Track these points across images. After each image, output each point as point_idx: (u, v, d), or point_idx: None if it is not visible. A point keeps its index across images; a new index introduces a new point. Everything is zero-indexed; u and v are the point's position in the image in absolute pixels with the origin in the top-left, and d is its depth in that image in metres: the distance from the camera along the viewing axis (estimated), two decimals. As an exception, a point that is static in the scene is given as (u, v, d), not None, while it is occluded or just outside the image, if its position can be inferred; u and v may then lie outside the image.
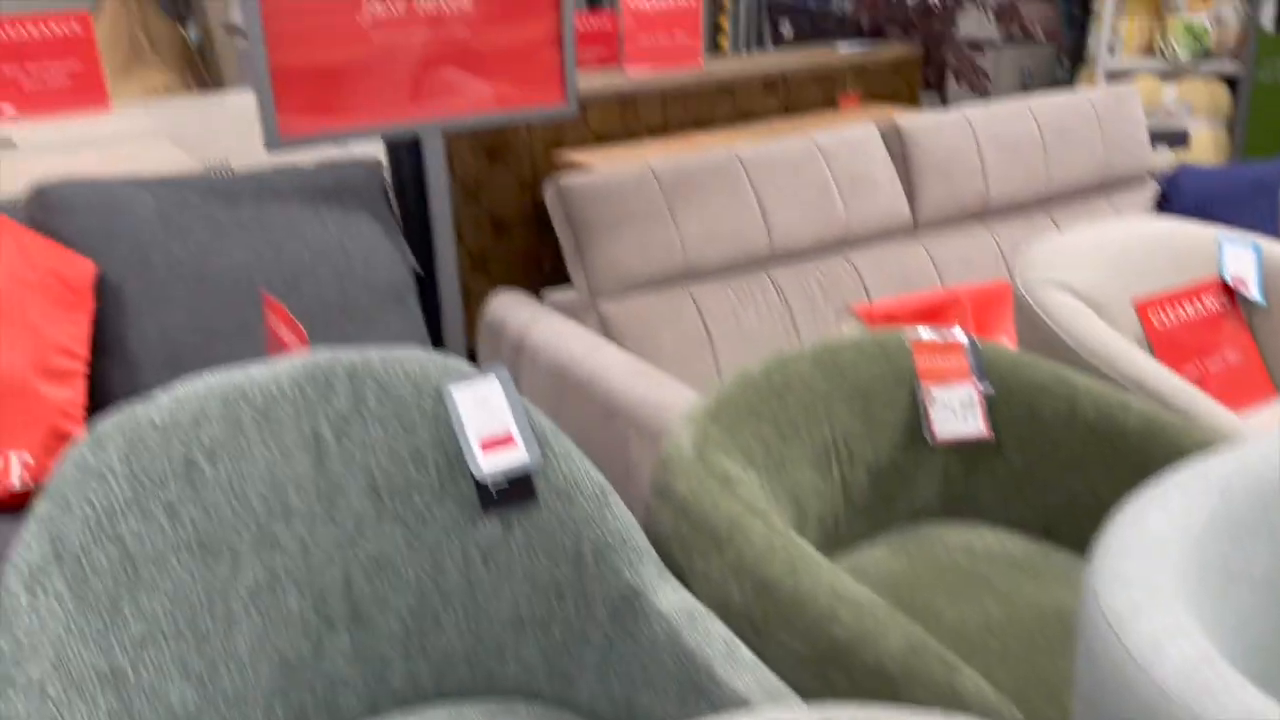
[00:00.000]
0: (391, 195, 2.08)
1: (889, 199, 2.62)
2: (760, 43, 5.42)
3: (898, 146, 2.66)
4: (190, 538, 1.12)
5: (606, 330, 2.29)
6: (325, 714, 1.21)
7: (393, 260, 1.97)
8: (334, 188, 1.94)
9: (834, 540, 1.57)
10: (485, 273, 2.99)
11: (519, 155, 2.92)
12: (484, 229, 2.95)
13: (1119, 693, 0.82)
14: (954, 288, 2.55)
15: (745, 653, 1.07)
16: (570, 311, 2.41)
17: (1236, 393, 1.94)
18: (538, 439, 1.25)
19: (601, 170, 2.34)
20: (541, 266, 3.06)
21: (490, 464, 1.23)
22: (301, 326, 1.48)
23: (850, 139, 2.61)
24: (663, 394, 1.86)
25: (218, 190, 1.85)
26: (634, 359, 2.05)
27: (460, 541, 1.24)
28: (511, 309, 2.36)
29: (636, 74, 3.21)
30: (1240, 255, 2.02)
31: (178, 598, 1.10)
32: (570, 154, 2.91)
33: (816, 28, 5.36)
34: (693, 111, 3.15)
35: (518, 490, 1.24)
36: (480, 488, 1.24)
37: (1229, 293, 2.01)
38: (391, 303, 1.97)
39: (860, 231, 2.58)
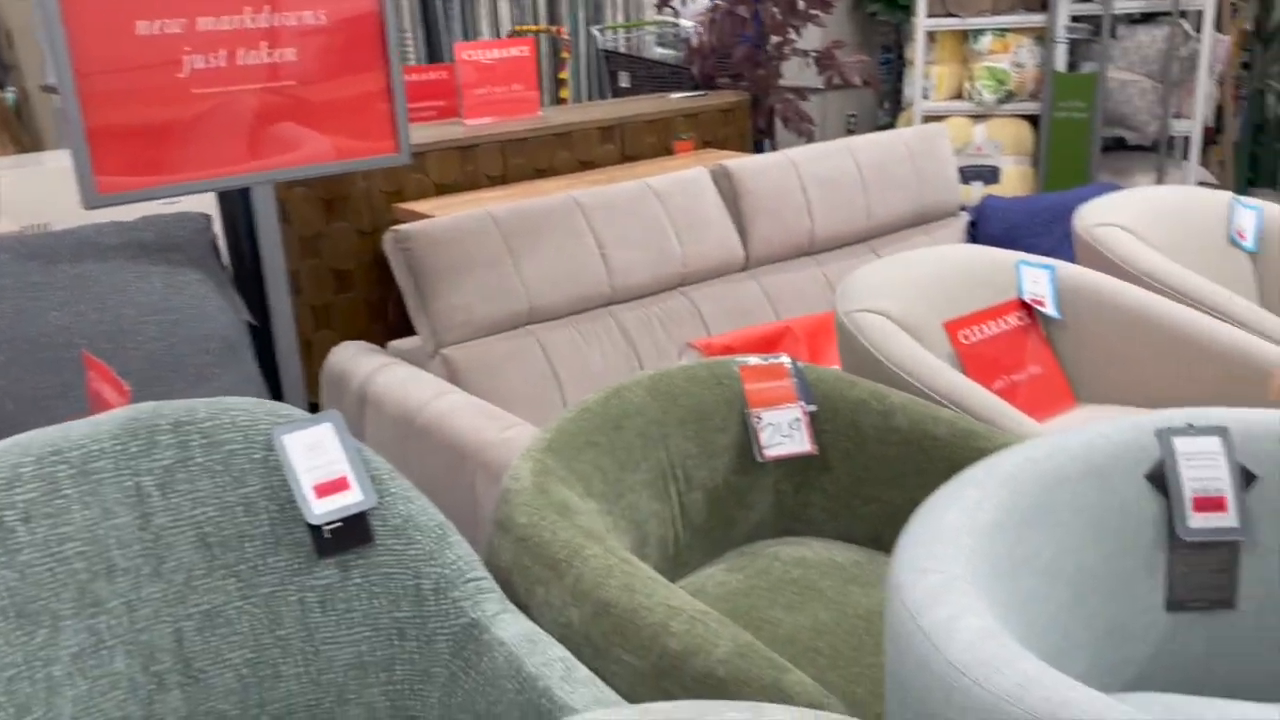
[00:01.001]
0: (220, 248, 2.04)
1: (722, 237, 2.73)
2: (601, 94, 5.56)
3: (728, 187, 2.79)
4: (5, 604, 1.07)
5: (452, 376, 2.30)
6: (160, 778, 1.18)
7: (223, 314, 1.94)
8: (158, 242, 1.90)
9: (676, 563, 1.62)
10: (329, 326, 2.96)
11: (358, 207, 2.92)
12: (325, 282, 2.92)
13: (918, 672, 0.89)
14: (787, 320, 2.67)
15: (583, 671, 1.10)
16: (415, 360, 2.41)
17: (1040, 402, 2.10)
18: (373, 480, 1.26)
19: (441, 219, 2.37)
20: (386, 318, 3.04)
21: (323, 508, 1.23)
22: (125, 384, 1.44)
23: (682, 181, 2.71)
24: (509, 434, 1.88)
25: (32, 249, 1.79)
26: (479, 402, 2.07)
27: (297, 588, 1.23)
28: (354, 360, 2.35)
29: (475, 125, 3.26)
30: (1037, 276, 2.20)
31: (-9, 667, 1.05)
32: (411, 205, 2.92)
33: (652, 78, 5.54)
34: (532, 160, 3.21)
35: (354, 532, 1.24)
36: (315, 532, 1.23)
37: (1029, 311, 2.18)
38: (224, 358, 1.93)
39: (697, 269, 2.68)
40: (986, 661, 0.85)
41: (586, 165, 3.35)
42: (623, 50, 5.68)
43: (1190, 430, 1.24)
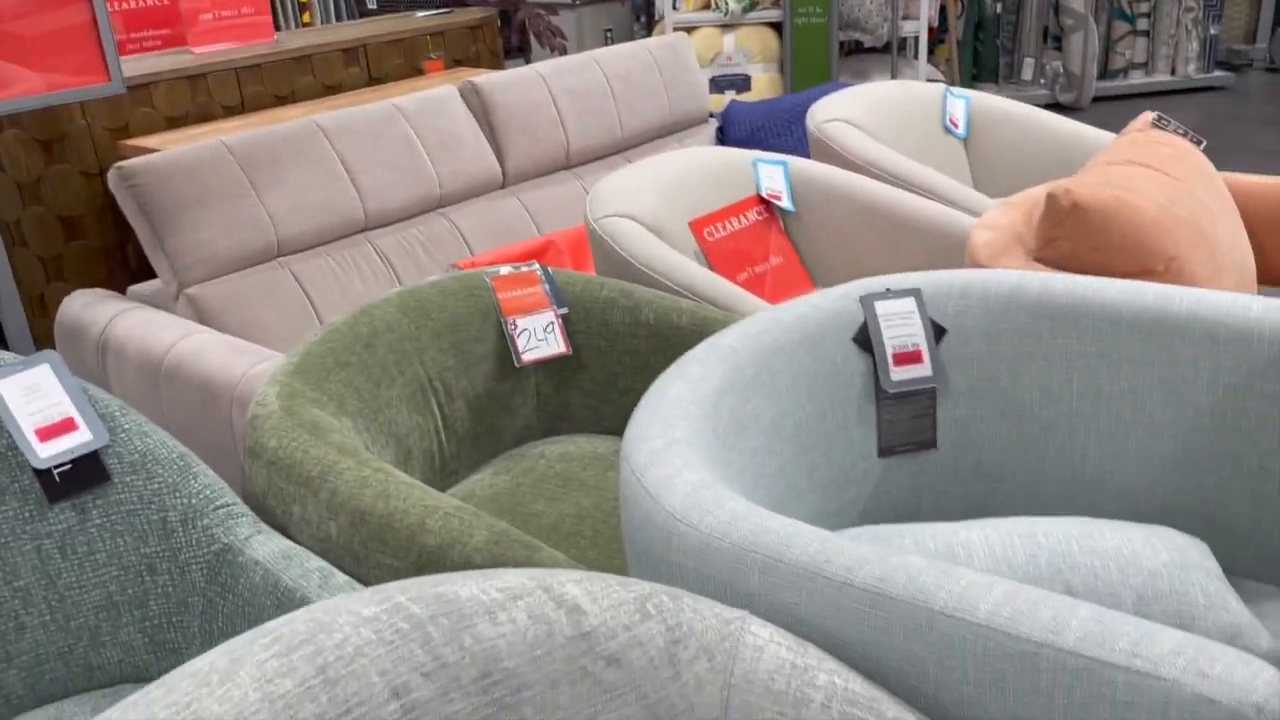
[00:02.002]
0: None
1: (477, 156, 2.72)
2: (350, 14, 5.33)
3: (478, 104, 2.77)
4: None
5: (200, 317, 2.21)
6: (-102, 750, 1.12)
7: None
8: None
9: (444, 473, 1.65)
10: (62, 279, 2.75)
11: (80, 147, 2.71)
12: (52, 230, 2.71)
13: (644, 525, 0.97)
14: (550, 234, 2.70)
15: (340, 578, 1.13)
16: (159, 304, 2.29)
17: (783, 290, 2.24)
18: (102, 417, 1.21)
19: (170, 151, 2.24)
20: (128, 264, 2.86)
21: (49, 450, 1.18)
22: None
23: (431, 100, 2.67)
24: (263, 367, 1.84)
25: None
26: (228, 338, 2.00)
27: (30, 536, 1.18)
28: (89, 309, 2.21)
29: (205, 52, 3.07)
30: (772, 172, 2.33)
31: None
32: (139, 141, 2.74)
33: (402, -1, 5.36)
34: (272, 88, 3.07)
35: (86, 473, 1.20)
36: (43, 476, 1.18)
37: (768, 206, 2.31)
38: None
39: (454, 190, 2.67)
40: (699, 506, 0.94)
41: (331, 90, 3.23)
42: (367, -30, 5.46)
43: (888, 294, 1.38)
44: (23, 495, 1.18)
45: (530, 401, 1.75)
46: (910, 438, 1.39)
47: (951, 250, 2.16)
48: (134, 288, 2.40)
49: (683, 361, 1.22)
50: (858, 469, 1.37)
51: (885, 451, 1.39)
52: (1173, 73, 5.63)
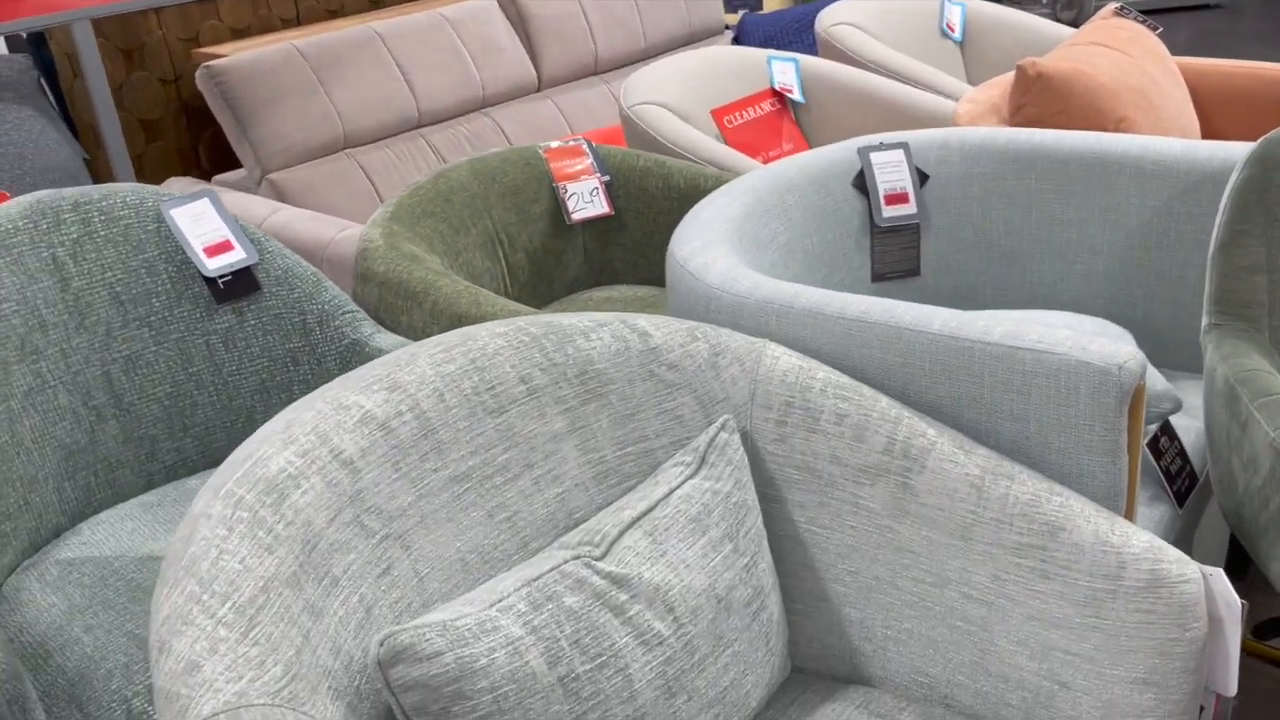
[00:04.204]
0: (46, 88, 2.16)
1: (515, 61, 3.00)
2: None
3: (514, 14, 3.03)
4: (-39, 351, 1.31)
5: (280, 199, 2.51)
6: (108, 490, 1.45)
7: (62, 148, 2.08)
8: (-13, 82, 2.01)
9: (508, 313, 1.96)
10: (141, 175, 3.06)
11: (157, 55, 2.99)
12: (134, 132, 3.01)
13: (688, 298, 1.28)
14: (581, 134, 2.99)
15: (449, 358, 1.44)
16: (242, 189, 2.59)
17: (794, 172, 2.53)
18: (252, 241, 1.53)
19: (247, 53, 2.52)
20: (199, 163, 3.16)
21: (215, 264, 1.49)
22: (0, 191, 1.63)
23: (472, 9, 2.94)
24: (347, 233, 2.15)
25: None
26: (311, 212, 2.31)
27: (202, 333, 1.50)
28: (186, 190, 2.51)
29: (260, -30, 3.33)
30: (784, 68, 2.60)
31: (-38, 400, 1.29)
32: (210, 49, 3.02)
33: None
34: (324, 1, 3.33)
35: (243, 284, 1.51)
36: (211, 284, 1.50)
37: (780, 98, 2.59)
38: (69, 185, 2.09)
39: (495, 92, 2.95)
40: (731, 279, 1.25)
41: (375, 4, 3.49)
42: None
43: (881, 146, 1.67)
44: (195, 300, 1.50)
45: (579, 255, 2.05)
46: (898, 266, 1.70)
47: (943, 134, 2.44)
48: (218, 176, 2.70)
49: (713, 195, 1.52)
50: (855, 292, 1.68)
51: (877, 277, 1.70)
52: (1171, -10, 5.81)
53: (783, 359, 1.11)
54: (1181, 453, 1.33)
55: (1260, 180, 1.26)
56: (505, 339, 1.08)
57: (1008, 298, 1.69)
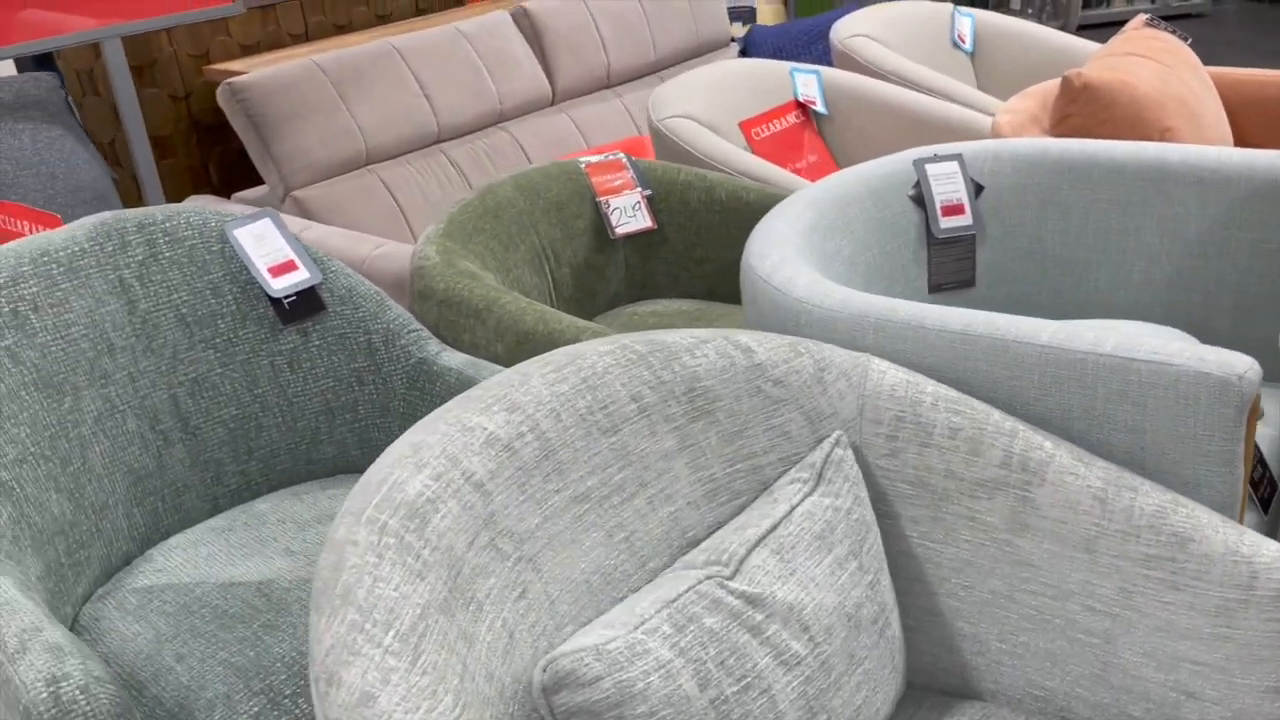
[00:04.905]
0: (73, 106, 2.13)
1: (530, 75, 2.99)
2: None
3: (529, 28, 3.03)
4: (34, 377, 1.28)
5: (305, 216, 2.49)
6: (175, 515, 1.43)
7: (91, 166, 2.05)
8: (17, 102, 1.98)
9: (554, 329, 1.95)
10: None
11: (168, 72, 2.96)
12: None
13: (774, 313, 1.28)
14: (598, 146, 2.99)
15: (522, 375, 1.43)
16: (264, 206, 2.56)
17: (820, 183, 2.54)
18: (315, 260, 1.51)
19: (269, 69, 2.50)
20: (210, 180, 3.13)
21: (280, 284, 1.47)
22: (49, 213, 1.60)
23: (487, 24, 2.93)
24: (383, 250, 2.13)
25: (-106, 113, 1.84)
26: (342, 230, 2.29)
27: (267, 354, 1.48)
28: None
29: (267, -14, 3.30)
30: (807, 80, 2.61)
31: (36, 426, 1.26)
32: (223, 65, 2.99)
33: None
34: (332, 17, 3.31)
35: (308, 303, 1.49)
36: (276, 305, 1.48)
37: (804, 110, 2.60)
38: (99, 208, 2.05)
39: (512, 106, 2.94)
40: (820, 293, 1.25)
41: (382, 20, 3.48)
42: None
43: (936, 159, 1.68)
44: (259, 321, 1.48)
45: (620, 270, 2.05)
46: (955, 276, 1.71)
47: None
48: (239, 194, 2.67)
49: (778, 209, 1.52)
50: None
51: (935, 288, 1.70)
52: (1153, 0, 5.91)
53: (889, 373, 1.11)
54: (1262, 460, 1.34)
55: (1338, 189, 1.27)
56: (613, 357, 1.07)
57: (1063, 307, 1.70)
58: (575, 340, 1.49)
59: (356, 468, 1.55)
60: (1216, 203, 1.55)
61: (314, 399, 1.51)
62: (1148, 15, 2.14)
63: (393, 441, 1.51)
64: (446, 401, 1.42)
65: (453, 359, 1.50)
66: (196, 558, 1.34)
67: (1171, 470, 1.04)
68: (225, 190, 3.12)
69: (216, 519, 1.44)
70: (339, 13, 3.32)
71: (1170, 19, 5.85)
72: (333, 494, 1.47)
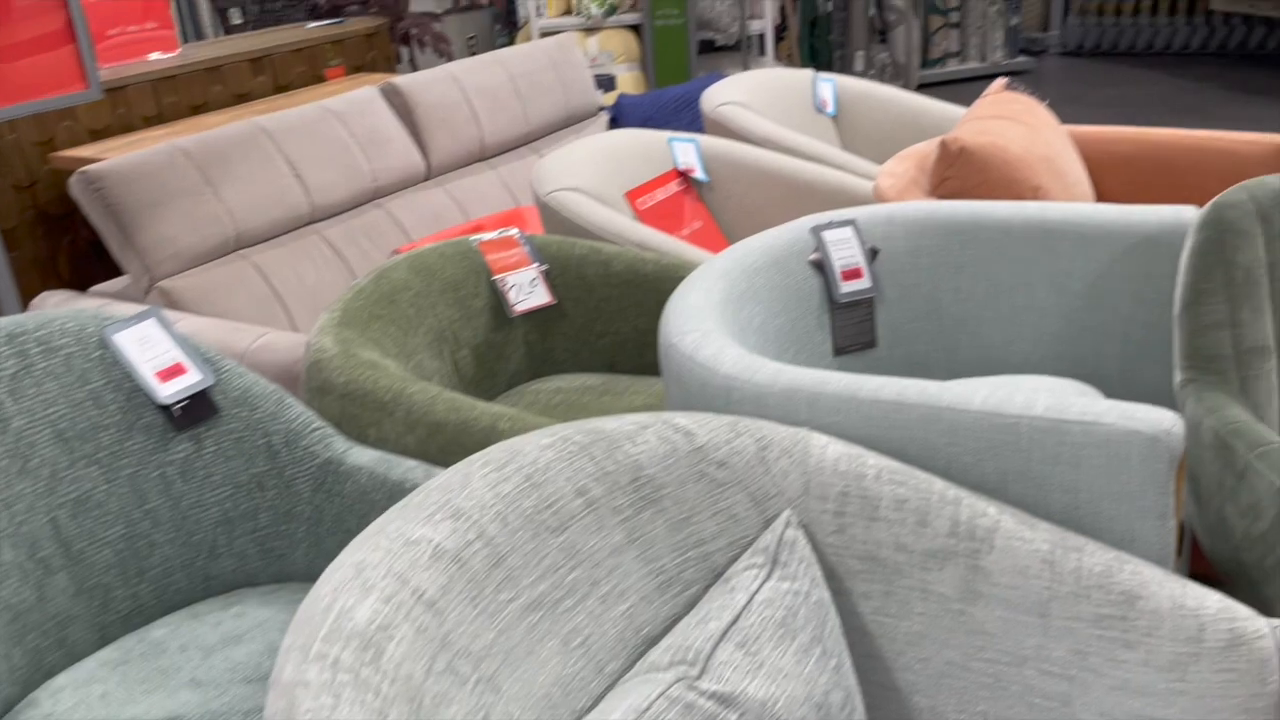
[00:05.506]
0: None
1: (403, 151, 2.94)
2: (199, 34, 5.35)
3: (400, 104, 2.98)
4: (-108, 513, 1.14)
5: (173, 307, 2.35)
6: (58, 650, 1.29)
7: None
8: None
9: (456, 413, 1.88)
10: (-3, 290, 2.80)
11: (10, 161, 2.77)
12: (-14, 243, 2.76)
13: (702, 392, 1.26)
14: (476, 219, 2.95)
15: (437, 469, 1.37)
16: (125, 299, 2.41)
17: (706, 249, 2.56)
18: (206, 360, 1.41)
19: (127, 156, 2.37)
20: (58, 273, 2.93)
21: (168, 390, 1.37)
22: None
23: (357, 101, 2.87)
24: (265, 340, 2.02)
25: None
26: (217, 320, 2.17)
27: (156, 465, 1.37)
28: (69, 304, 2.32)
29: (118, 67, 3.16)
30: (685, 148, 2.65)
31: (-102, 569, 1.13)
32: (71, 153, 2.82)
33: (265, 12, 5.42)
34: (186, 98, 3.18)
35: (200, 408, 1.39)
36: (166, 413, 1.37)
37: (685, 178, 2.63)
38: (-55, 311, 1.89)
39: (386, 182, 2.87)
40: (748, 368, 1.24)
41: (241, 99, 3.36)
42: (228, -14, 5.49)
43: (832, 225, 1.71)
44: (147, 430, 1.37)
45: (521, 348, 2.00)
46: (857, 339, 1.73)
47: (845, 204, 2.53)
48: (97, 287, 2.51)
49: (689, 280, 1.51)
50: (820, 365, 1.70)
51: (839, 351, 1.73)
52: (983, 59, 6.30)
53: (831, 447, 1.11)
54: (1169, 502, 1.39)
55: (1216, 242, 1.36)
56: (554, 451, 1.03)
57: (962, 364, 1.75)
58: (491, 427, 1.44)
59: (258, 580, 1.44)
60: (1097, 257, 1.63)
61: (210, 510, 1.40)
62: (1006, 79, 2.26)
63: (298, 550, 1.41)
64: (356, 503, 1.35)
65: (362, 456, 1.42)
66: (90, 698, 1.21)
67: (1108, 527, 1.06)
68: (77, 284, 2.93)
69: (107, 650, 1.31)
70: (194, 93, 3.19)
71: (999, 76, 6.25)
72: (237, 611, 1.36)
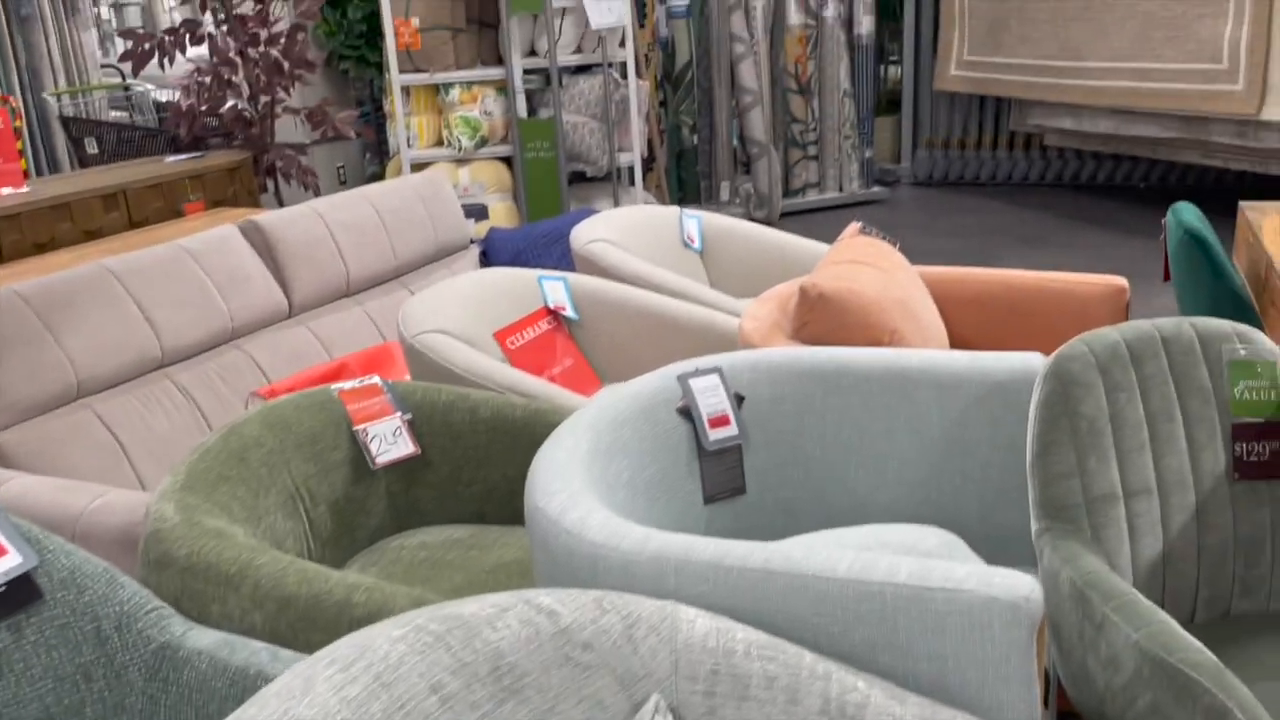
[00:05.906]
0: None
1: (263, 289, 2.85)
2: (55, 166, 5.19)
3: (260, 241, 2.91)
4: None
5: (6, 463, 2.18)
6: None
7: None
8: None
9: (313, 574, 1.78)
10: None
11: None
12: None
13: (568, 559, 1.22)
14: (341, 357, 2.87)
15: (286, 652, 1.27)
16: (-49, 455, 2.23)
17: (578, 389, 2.55)
18: (28, 540, 1.30)
19: (-42, 301, 2.22)
20: (-122, 423, 2.70)
21: (-17, 576, 1.25)
22: None
23: (214, 239, 2.79)
24: (105, 500, 1.89)
25: None
26: (50, 479, 2.02)
27: (-35, 661, 1.24)
28: (-123, 465, 2.12)
29: (-48, 202, 3.00)
30: (555, 287, 2.65)
31: None
32: (-104, 294, 2.64)
33: (123, 142, 5.29)
34: (30, 235, 3.04)
35: (20, 593, 1.27)
36: (-22, 601, 1.25)
37: (555, 316, 2.62)
38: None
39: (245, 322, 2.78)
40: (615, 535, 1.20)
41: (91, 235, 3.23)
42: (83, 116, 5.36)
43: (697, 373, 1.72)
44: (-45, 622, 1.24)
45: (383, 501, 1.92)
46: (726, 486, 1.73)
47: (712, 341, 2.57)
48: (-82, 443, 2.31)
49: (557, 434, 1.49)
50: (690, 515, 1.68)
51: (709, 499, 1.71)
52: (841, 189, 6.62)
53: (699, 621, 1.07)
54: (1034, 650, 1.41)
55: (1060, 394, 1.41)
56: (406, 643, 0.97)
57: (829, 511, 1.76)
58: (345, 600, 1.36)
59: (84, 783, 1.30)
60: (953, 405, 1.67)
61: (29, 706, 1.27)
62: (860, 224, 2.36)
63: (130, 745, 1.28)
64: (195, 693, 1.24)
65: (201, 639, 1.31)
66: None
67: (975, 695, 1.05)
68: (-102, 432, 2.70)
69: None
70: (39, 230, 3.05)
71: (856, 205, 6.57)
72: (54, 824, 1.22)
